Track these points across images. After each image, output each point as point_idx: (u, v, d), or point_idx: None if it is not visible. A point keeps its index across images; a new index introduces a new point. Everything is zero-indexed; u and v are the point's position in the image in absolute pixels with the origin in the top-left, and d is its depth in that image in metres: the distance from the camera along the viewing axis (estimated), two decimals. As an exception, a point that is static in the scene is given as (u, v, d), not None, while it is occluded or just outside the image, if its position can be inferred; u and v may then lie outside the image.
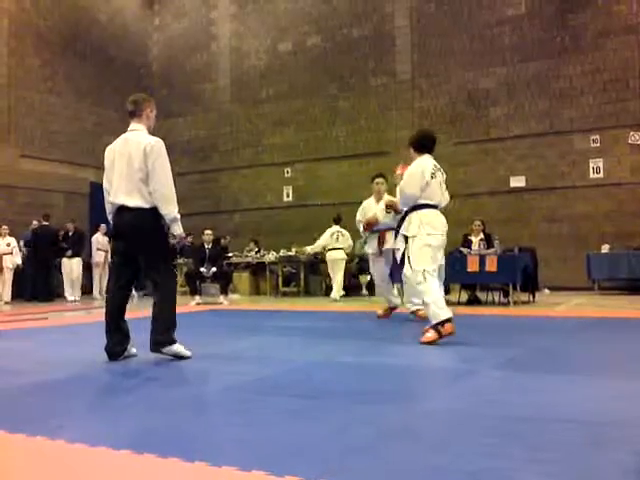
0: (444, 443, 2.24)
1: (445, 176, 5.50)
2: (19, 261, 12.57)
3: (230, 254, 13.98)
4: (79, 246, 13.17)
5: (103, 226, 13.68)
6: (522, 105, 13.65)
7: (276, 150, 16.12)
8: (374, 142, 15.02)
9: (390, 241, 6.88)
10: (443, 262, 5.62)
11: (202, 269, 11.03)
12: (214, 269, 11.16)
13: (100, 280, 13.72)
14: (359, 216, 7.32)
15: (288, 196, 15.77)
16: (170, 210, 4.26)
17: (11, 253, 12.42)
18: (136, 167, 4.21)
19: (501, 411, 2.69)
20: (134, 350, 4.44)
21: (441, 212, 5.38)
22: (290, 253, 13.44)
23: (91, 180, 15.84)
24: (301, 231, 14.20)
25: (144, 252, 4.31)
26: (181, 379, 3.74)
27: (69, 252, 12.85)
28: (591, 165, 12.97)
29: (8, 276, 12.40)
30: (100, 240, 13.80)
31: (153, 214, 4.26)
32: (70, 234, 13.18)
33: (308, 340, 5.43)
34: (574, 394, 3.04)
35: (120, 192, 4.26)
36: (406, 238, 5.24)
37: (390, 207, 6.32)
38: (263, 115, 16.54)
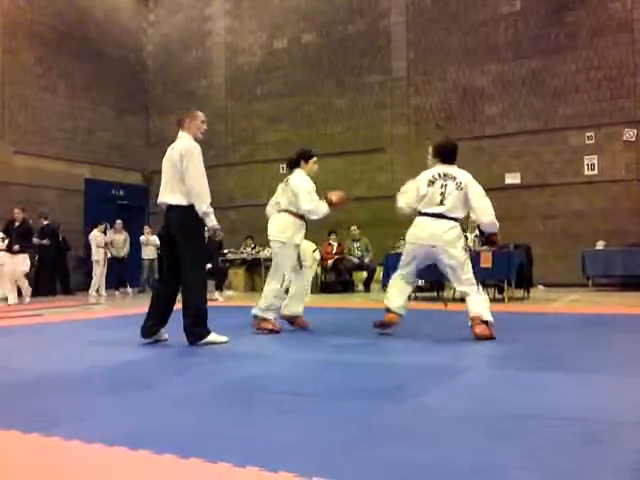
0: (438, 440, 2.25)
1: (457, 186, 5.49)
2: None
3: (225, 250, 13.97)
4: (23, 239, 12.26)
5: (100, 224, 13.73)
6: (517, 102, 13.66)
7: (271, 147, 16.10)
8: (369, 139, 15.02)
9: None
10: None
11: (208, 264, 11.00)
12: (209, 265, 11.14)
13: (100, 278, 13.70)
14: None
15: (283, 193, 15.78)
16: (201, 206, 4.72)
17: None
18: (175, 170, 4.78)
19: (495, 408, 2.70)
20: (166, 335, 4.93)
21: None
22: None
23: (86, 177, 15.80)
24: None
25: (180, 247, 4.76)
26: (176, 376, 3.74)
27: (16, 247, 11.41)
28: (586, 162, 12.99)
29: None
30: (98, 237, 13.78)
31: (190, 210, 4.73)
32: (17, 225, 11.98)
33: (303, 337, 5.44)
34: (569, 391, 3.05)
35: (166, 192, 4.84)
36: None
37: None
38: (258, 112, 16.51)
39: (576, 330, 5.77)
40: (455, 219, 5.30)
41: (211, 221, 4.81)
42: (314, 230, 13.48)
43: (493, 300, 9.37)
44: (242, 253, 14.18)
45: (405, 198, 5.57)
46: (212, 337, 4.77)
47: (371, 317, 5.95)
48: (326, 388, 3.23)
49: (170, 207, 4.80)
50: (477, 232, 9.77)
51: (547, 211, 13.15)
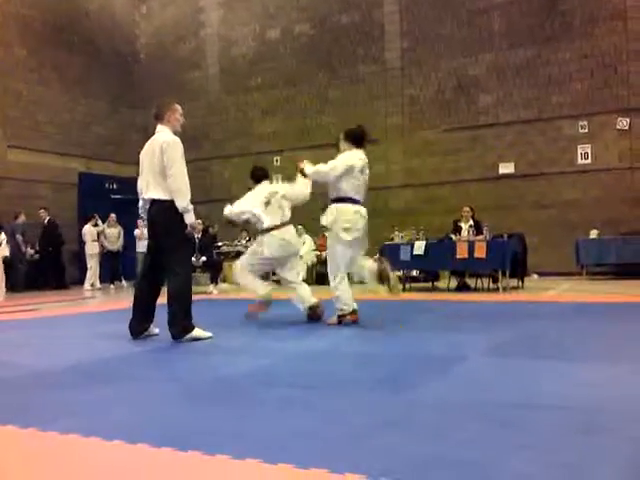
0: (437, 431, 2.26)
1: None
2: (7, 253, 12.48)
3: (220, 243, 13.96)
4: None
5: (95, 217, 13.72)
6: (511, 91, 13.65)
7: (265, 139, 16.07)
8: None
9: None
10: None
11: (192, 258, 11.00)
12: (204, 258, 11.16)
13: (94, 272, 13.71)
14: None
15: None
16: (181, 201, 4.65)
17: (0, 245, 12.33)
18: (156, 163, 4.67)
19: (492, 398, 2.72)
20: (156, 330, 4.92)
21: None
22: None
23: (80, 170, 15.75)
24: (291, 220, 14.17)
25: (162, 240, 4.73)
26: (174, 370, 3.75)
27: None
28: (579, 151, 13.01)
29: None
30: (92, 231, 13.77)
31: (173, 205, 4.66)
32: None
33: (299, 329, 5.45)
34: (565, 380, 3.07)
35: (148, 187, 4.73)
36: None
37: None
38: (252, 103, 16.46)
39: (571, 319, 5.80)
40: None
41: (190, 218, 4.72)
42: (310, 222, 13.54)
43: (488, 290, 9.43)
44: (237, 246, 14.17)
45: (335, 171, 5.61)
46: (197, 332, 4.71)
47: (367, 308, 5.97)
48: (323, 380, 3.25)
49: (153, 202, 4.71)
50: (471, 222, 9.81)
51: (541, 200, 13.18)
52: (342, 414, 2.52)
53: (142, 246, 14.00)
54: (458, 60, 14.14)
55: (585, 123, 12.93)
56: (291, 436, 2.23)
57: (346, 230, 5.46)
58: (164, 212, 4.66)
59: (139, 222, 14.27)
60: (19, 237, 13.17)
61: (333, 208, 5.56)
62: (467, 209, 10.01)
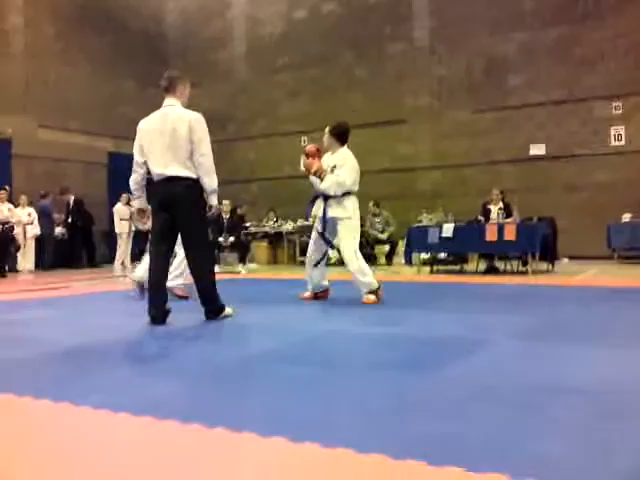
0: (461, 412, 2.26)
1: None
2: (38, 231, 12.71)
3: (248, 224, 14.02)
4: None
5: (125, 196, 13.80)
6: (542, 72, 13.41)
7: (292, 119, 16.01)
8: (391, 110, 14.85)
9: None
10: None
11: (220, 239, 11.08)
12: (232, 239, 11.23)
13: (124, 250, 13.88)
14: None
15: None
16: (212, 182, 4.56)
17: (31, 223, 12.56)
18: (182, 140, 4.46)
19: (517, 381, 2.70)
20: (169, 305, 4.68)
21: None
22: (307, 223, 13.44)
23: (109, 150, 15.90)
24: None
25: (188, 221, 4.57)
26: (199, 349, 3.79)
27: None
28: (612, 132, 12.76)
29: (30, 246, 12.55)
30: (122, 210, 13.91)
31: (198, 185, 4.55)
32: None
33: (325, 310, 5.47)
34: (592, 364, 3.04)
35: (168, 164, 4.48)
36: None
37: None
38: (278, 84, 16.40)
39: (600, 303, 5.72)
40: None
41: (215, 199, 4.67)
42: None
43: (517, 273, 9.34)
44: (264, 226, 14.23)
45: (351, 181, 6.05)
46: (227, 310, 4.76)
47: (393, 290, 5.96)
48: (349, 360, 3.25)
49: (173, 179, 4.49)
50: (501, 205, 9.70)
51: (572, 183, 12.97)
52: (366, 394, 2.52)
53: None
54: (488, 39, 13.91)
55: (619, 104, 12.67)
56: (316, 416, 2.24)
57: (358, 219, 6.10)
58: (190, 191, 4.53)
59: (132, 200, 14.20)
60: (56, 216, 13.40)
61: (351, 200, 6.04)
62: (497, 192, 9.90)
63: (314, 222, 6.07)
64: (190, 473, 1.75)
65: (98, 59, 15.87)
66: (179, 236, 4.72)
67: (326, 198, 5.85)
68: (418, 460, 1.75)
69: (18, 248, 12.15)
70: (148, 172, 4.70)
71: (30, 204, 12.68)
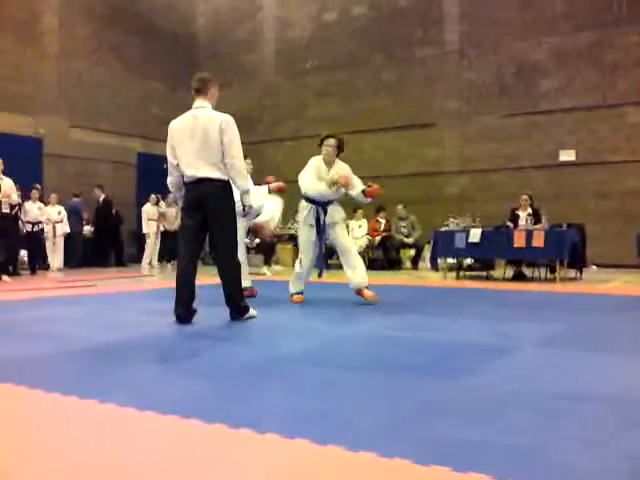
0: (487, 418, 2.24)
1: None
2: (68, 229, 12.89)
3: (273, 226, 14.03)
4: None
5: (153, 197, 13.94)
6: (573, 77, 13.23)
7: (319, 122, 15.99)
8: (419, 113, 14.79)
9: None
10: None
11: (246, 240, 11.12)
12: (257, 240, 11.27)
13: (152, 250, 14.02)
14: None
15: (332, 168, 15.67)
16: (244, 182, 4.65)
17: (61, 221, 12.74)
18: (213, 142, 4.50)
19: (542, 388, 2.67)
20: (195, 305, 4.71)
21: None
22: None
23: (138, 150, 16.09)
24: (345, 204, 14.17)
25: (220, 222, 4.61)
26: (224, 349, 3.81)
27: None
28: (645, 139, 12.54)
29: (59, 244, 12.73)
30: (150, 211, 14.05)
31: (229, 186, 4.62)
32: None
33: (349, 312, 5.45)
34: (618, 374, 3.00)
35: (199, 165, 4.51)
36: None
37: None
38: (307, 86, 16.42)
39: (628, 312, 5.63)
40: None
41: (249, 199, 4.76)
42: (363, 207, 13.50)
43: (545, 280, 9.22)
44: (290, 229, 14.25)
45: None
46: (251, 312, 4.78)
47: (418, 295, 5.93)
48: (373, 364, 3.25)
49: (203, 180, 4.52)
50: (530, 210, 9.59)
51: (602, 189, 12.78)
52: (391, 398, 2.51)
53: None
54: (518, 43, 13.78)
55: (652, 110, 12.45)
56: (340, 418, 2.24)
57: None
58: (221, 193, 4.57)
59: (164, 200, 14.26)
60: (85, 215, 13.61)
61: (339, 207, 6.27)
62: (525, 197, 9.80)
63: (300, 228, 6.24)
64: (212, 472, 1.76)
65: (129, 60, 16.07)
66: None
67: (325, 205, 6.06)
68: (442, 466, 1.74)
69: (43, 246, 12.37)
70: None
71: (60, 202, 12.86)
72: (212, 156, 4.51)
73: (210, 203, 4.55)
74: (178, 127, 4.66)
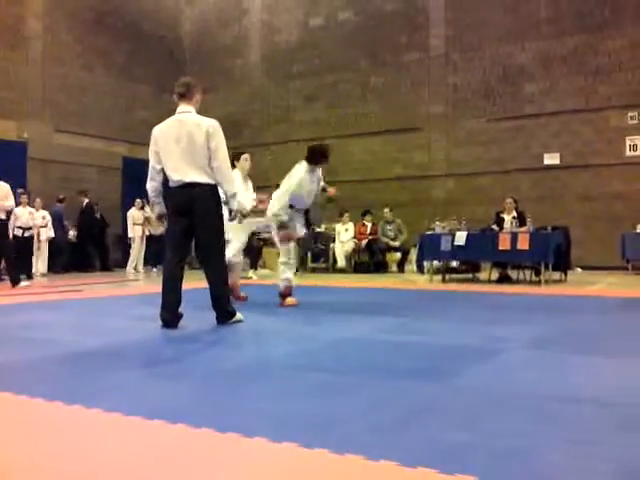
0: (473, 421, 2.25)
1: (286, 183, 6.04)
2: (52, 234, 12.81)
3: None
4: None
5: (139, 201, 13.88)
6: (557, 81, 13.36)
7: (306, 126, 16.04)
8: (406, 118, 14.86)
9: None
10: None
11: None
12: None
13: (137, 255, 13.95)
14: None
15: (318, 172, 15.64)
16: (231, 187, 4.66)
17: (46, 226, 12.65)
18: (200, 147, 4.50)
19: (530, 390, 2.68)
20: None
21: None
22: (319, 229, 13.46)
23: (124, 155, 16.01)
24: (330, 208, 14.19)
25: (207, 226, 4.61)
26: (211, 354, 3.80)
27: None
28: (628, 142, 12.68)
29: (44, 249, 12.64)
30: (136, 215, 13.99)
31: (216, 190, 4.62)
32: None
33: (337, 316, 5.46)
34: (606, 376, 3.02)
35: (186, 170, 4.51)
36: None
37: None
38: (294, 91, 16.45)
39: (614, 314, 5.68)
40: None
41: (237, 203, 4.79)
42: (349, 210, 13.53)
43: (530, 282, 9.28)
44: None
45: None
46: (238, 315, 4.77)
47: (405, 298, 5.95)
48: (361, 367, 3.25)
49: (190, 185, 4.50)
50: (514, 213, 9.66)
51: (586, 192, 12.90)
52: (379, 401, 2.52)
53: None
54: (503, 48, 13.89)
55: (634, 114, 12.59)
56: (328, 422, 2.24)
57: None
58: (208, 197, 4.57)
59: (151, 205, 14.24)
60: (66, 222, 13.51)
61: None
62: (510, 200, 9.86)
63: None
64: (199, 477, 1.76)
65: (115, 65, 16.02)
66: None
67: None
68: (429, 468, 1.74)
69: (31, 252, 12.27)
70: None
71: (44, 207, 12.77)
72: (198, 160, 4.51)
73: (198, 207, 4.53)
74: (162, 132, 4.64)
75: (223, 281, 4.71)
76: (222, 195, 4.74)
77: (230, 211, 4.78)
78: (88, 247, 13.88)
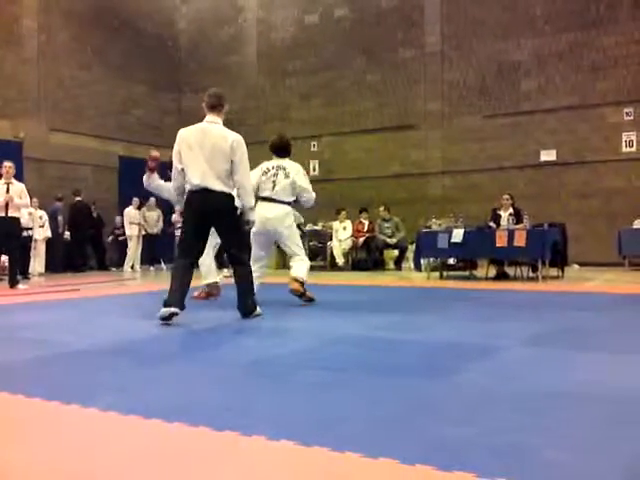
0: (472, 418, 2.25)
1: (285, 175, 6.08)
2: (49, 234, 12.78)
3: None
4: None
5: (136, 200, 13.86)
6: (554, 78, 13.36)
7: (303, 124, 16.02)
8: (402, 115, 14.86)
9: None
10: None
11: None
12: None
13: (134, 254, 13.94)
14: None
15: (314, 170, 15.62)
16: (250, 200, 4.97)
17: (42, 226, 12.63)
18: (223, 158, 4.75)
19: (528, 387, 2.68)
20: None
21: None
22: (316, 227, 13.46)
23: (120, 154, 15.97)
24: (327, 205, 14.16)
25: (227, 230, 4.93)
26: (209, 352, 3.79)
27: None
28: (624, 138, 12.69)
29: (40, 249, 12.62)
30: (132, 214, 13.98)
31: (233, 199, 4.90)
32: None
33: (335, 314, 5.45)
34: (603, 372, 3.02)
35: (207, 176, 4.74)
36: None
37: None
38: (290, 88, 16.43)
39: (611, 310, 5.68)
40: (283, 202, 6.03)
41: (253, 215, 5.07)
42: (345, 208, 13.53)
43: (527, 279, 9.29)
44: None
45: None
46: (258, 311, 5.03)
47: (403, 295, 5.95)
48: (359, 364, 3.25)
49: (211, 192, 4.75)
50: (511, 210, 9.66)
51: (583, 189, 12.91)
52: (377, 399, 2.52)
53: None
54: (499, 45, 13.89)
55: (630, 110, 12.60)
56: (326, 419, 2.23)
57: None
58: (229, 205, 4.85)
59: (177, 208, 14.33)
60: (60, 219, 13.46)
61: None
62: (507, 197, 9.86)
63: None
64: (196, 475, 1.75)
65: (111, 63, 15.97)
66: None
67: None
68: (428, 465, 1.74)
69: (28, 251, 12.23)
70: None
71: (41, 207, 12.75)
72: (219, 169, 4.75)
73: (219, 213, 4.81)
74: (188, 136, 4.83)
75: (249, 281, 5.04)
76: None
77: (247, 222, 5.06)
78: (85, 247, 13.84)
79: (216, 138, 4.76)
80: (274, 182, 6.02)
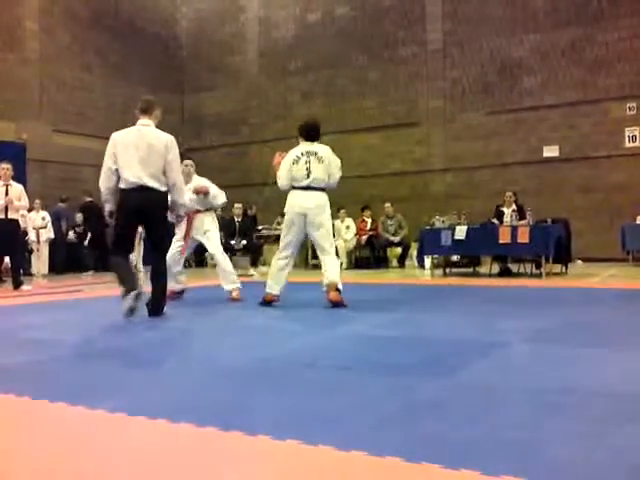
0: (476, 414, 2.24)
1: (319, 159, 5.82)
2: (52, 235, 12.79)
3: (260, 227, 14.04)
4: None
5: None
6: (556, 73, 13.34)
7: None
8: (404, 113, 14.85)
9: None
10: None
11: (232, 242, 11.11)
12: (244, 242, 11.25)
13: (137, 255, 13.93)
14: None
15: (317, 168, 15.57)
16: (182, 197, 5.32)
17: (45, 227, 12.64)
18: (157, 157, 5.04)
19: (533, 383, 2.68)
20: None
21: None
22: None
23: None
24: (330, 204, 14.17)
25: (158, 225, 5.21)
26: (216, 351, 3.79)
27: None
28: (627, 134, 12.67)
29: (44, 250, 12.63)
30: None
31: (166, 196, 5.21)
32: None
33: (338, 312, 5.45)
34: (609, 368, 3.01)
35: (142, 175, 5.00)
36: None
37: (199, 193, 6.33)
38: (292, 87, 16.43)
39: (615, 305, 5.67)
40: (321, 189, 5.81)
41: (183, 211, 5.50)
42: (348, 206, 13.55)
43: (530, 275, 9.28)
44: (276, 230, 14.23)
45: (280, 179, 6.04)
46: (165, 311, 5.18)
47: (406, 292, 5.94)
48: (363, 363, 3.25)
49: (146, 189, 4.99)
50: (514, 207, 9.65)
51: (586, 184, 12.89)
52: (380, 396, 2.51)
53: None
54: (501, 41, 13.87)
55: (633, 105, 12.58)
56: (331, 418, 2.23)
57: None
58: (162, 202, 5.15)
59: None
60: (65, 220, 13.48)
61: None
62: (510, 194, 9.85)
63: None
64: (203, 476, 1.76)
65: (112, 64, 15.98)
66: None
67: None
68: (434, 463, 1.74)
69: (31, 252, 12.25)
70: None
71: (44, 208, 12.76)
72: (154, 168, 5.02)
73: (152, 210, 5.09)
74: (123, 138, 5.11)
75: (166, 276, 5.27)
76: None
77: (178, 217, 5.52)
78: (83, 247, 13.80)
79: (151, 139, 5.05)
80: (308, 169, 5.75)
